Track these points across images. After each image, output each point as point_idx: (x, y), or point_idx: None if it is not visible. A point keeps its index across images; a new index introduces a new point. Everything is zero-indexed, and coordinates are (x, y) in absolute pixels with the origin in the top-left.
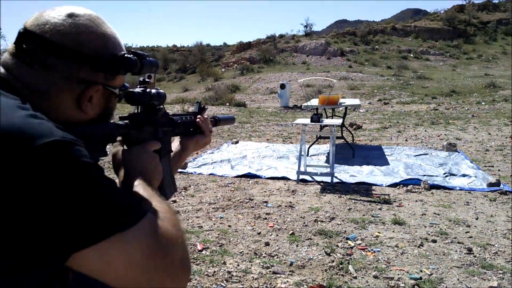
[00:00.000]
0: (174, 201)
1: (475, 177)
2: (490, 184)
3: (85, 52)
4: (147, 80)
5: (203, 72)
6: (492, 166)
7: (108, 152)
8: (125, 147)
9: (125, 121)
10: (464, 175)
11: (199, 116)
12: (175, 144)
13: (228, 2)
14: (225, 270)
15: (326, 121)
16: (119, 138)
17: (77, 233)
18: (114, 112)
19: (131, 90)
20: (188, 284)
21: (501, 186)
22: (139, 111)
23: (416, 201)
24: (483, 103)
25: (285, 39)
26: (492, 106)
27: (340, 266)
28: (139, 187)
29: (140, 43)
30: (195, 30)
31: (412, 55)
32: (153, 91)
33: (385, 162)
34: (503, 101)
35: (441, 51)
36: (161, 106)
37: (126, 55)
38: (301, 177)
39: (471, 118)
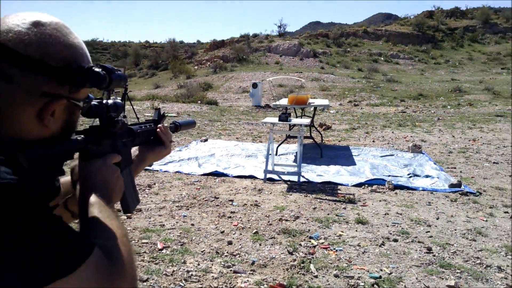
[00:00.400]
0: None
1: (438, 178)
2: (451, 185)
3: (51, 64)
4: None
5: (175, 69)
6: (455, 168)
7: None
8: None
9: (82, 136)
10: (427, 176)
11: (159, 126)
12: (133, 153)
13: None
14: (184, 269)
15: (294, 121)
16: (76, 154)
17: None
18: (77, 125)
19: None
20: (145, 284)
21: (462, 187)
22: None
23: (380, 200)
24: (448, 106)
25: (258, 38)
26: (457, 110)
27: (302, 265)
28: (95, 206)
29: (111, 38)
30: (169, 26)
31: (382, 59)
32: (110, 102)
33: (352, 162)
34: (467, 105)
35: (410, 56)
36: (119, 117)
37: (94, 68)
38: (268, 176)
39: (436, 121)
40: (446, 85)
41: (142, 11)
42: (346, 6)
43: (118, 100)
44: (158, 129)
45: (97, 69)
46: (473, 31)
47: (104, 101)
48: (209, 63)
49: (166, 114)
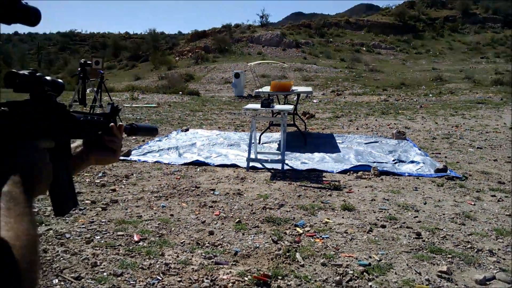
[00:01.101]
0: (114, 190)
1: (423, 163)
2: (437, 170)
3: None
4: (94, 66)
5: (156, 60)
6: (439, 153)
7: None
8: None
9: (4, 108)
10: (412, 162)
11: (111, 124)
12: (75, 148)
13: None
14: (162, 262)
15: (277, 107)
16: None
17: None
18: None
19: (13, 70)
20: (119, 278)
21: (448, 172)
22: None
23: (366, 187)
24: (430, 95)
25: (240, 29)
26: (438, 98)
27: (287, 254)
28: (4, 197)
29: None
30: (149, 17)
31: (364, 49)
32: (47, 77)
33: (336, 150)
34: (449, 93)
35: (392, 45)
36: (56, 95)
37: None
38: (251, 164)
39: (419, 108)
40: (427, 74)
41: (122, 2)
42: None
43: (60, 80)
44: (111, 127)
45: None
46: (453, 21)
47: (38, 73)
48: (190, 54)
49: (120, 108)
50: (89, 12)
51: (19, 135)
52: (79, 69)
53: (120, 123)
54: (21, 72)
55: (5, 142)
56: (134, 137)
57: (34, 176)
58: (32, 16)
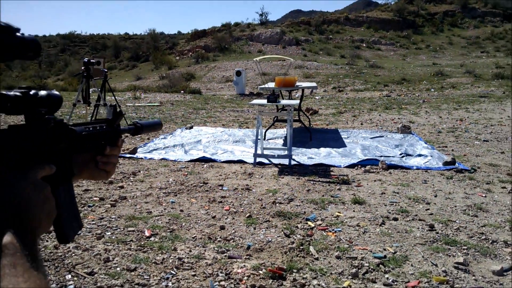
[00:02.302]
0: (121, 187)
1: (431, 156)
2: (446, 163)
3: None
4: (96, 67)
5: (156, 60)
6: (446, 147)
7: None
8: None
9: None
10: (420, 155)
11: (108, 148)
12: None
13: None
14: (175, 256)
15: (283, 102)
16: None
17: None
18: None
19: (3, 92)
20: (133, 273)
21: (456, 164)
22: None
23: (375, 180)
24: (432, 90)
25: (240, 27)
26: (441, 92)
27: (301, 247)
28: (4, 254)
29: (90, 31)
30: (148, 18)
31: (364, 45)
32: (42, 93)
33: (342, 145)
34: (451, 87)
35: (391, 41)
36: (53, 116)
37: None
38: (258, 160)
39: (422, 103)
40: (428, 69)
41: (121, 3)
42: None
43: (55, 92)
44: (105, 150)
45: None
46: (452, 16)
47: (32, 92)
48: (191, 53)
49: (124, 113)
50: (89, 14)
51: (10, 167)
52: (82, 68)
53: (122, 129)
54: (11, 93)
55: None
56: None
57: (30, 218)
58: (31, 50)
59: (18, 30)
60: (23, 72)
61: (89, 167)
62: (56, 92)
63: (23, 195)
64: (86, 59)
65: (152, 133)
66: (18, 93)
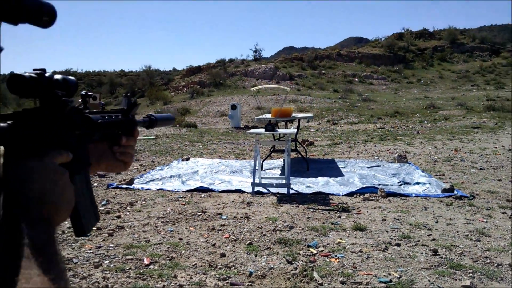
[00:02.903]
0: (118, 217)
1: (429, 184)
2: (444, 190)
3: None
4: (92, 102)
5: (152, 95)
6: (443, 175)
7: None
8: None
9: (9, 122)
10: (418, 183)
11: (123, 137)
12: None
13: (175, 28)
14: (176, 283)
15: (281, 131)
16: (1, 148)
17: None
18: None
19: (18, 73)
20: None
21: (455, 191)
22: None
23: (375, 208)
24: (425, 121)
25: (234, 63)
26: (434, 124)
27: (304, 273)
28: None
29: (86, 68)
30: (144, 56)
31: (357, 79)
32: (57, 76)
33: (340, 174)
34: (443, 119)
35: (383, 76)
36: (71, 100)
37: None
38: (256, 189)
39: (416, 134)
40: (420, 103)
41: (116, 41)
42: (319, 31)
43: (71, 77)
44: (121, 140)
45: None
46: (441, 51)
47: (48, 74)
48: (186, 88)
49: (138, 103)
50: (84, 51)
51: (27, 153)
52: (80, 100)
53: (137, 121)
54: (26, 74)
55: (10, 163)
56: (137, 162)
57: (49, 206)
58: (46, 15)
59: None
60: (19, 108)
61: (107, 158)
62: (72, 77)
63: (42, 181)
64: (83, 92)
65: (149, 162)
66: (33, 75)
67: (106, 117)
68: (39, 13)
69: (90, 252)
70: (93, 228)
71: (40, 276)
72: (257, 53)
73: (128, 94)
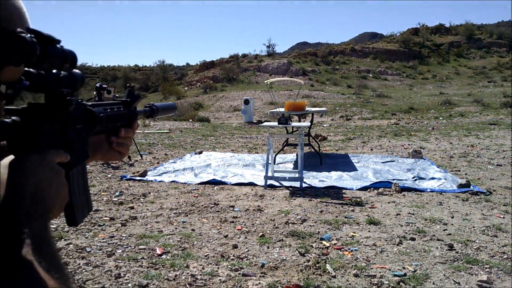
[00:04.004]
0: (132, 208)
1: (445, 179)
2: (460, 185)
3: None
4: (106, 96)
5: (165, 90)
6: (459, 171)
7: None
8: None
9: (14, 117)
10: (433, 178)
11: (122, 129)
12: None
13: (189, 23)
14: (188, 273)
15: (294, 124)
16: (3, 142)
17: None
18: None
19: (26, 69)
20: None
21: (471, 187)
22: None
23: (389, 202)
24: (441, 118)
25: (248, 58)
26: (449, 120)
27: (317, 265)
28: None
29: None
30: (158, 52)
31: (371, 75)
32: (64, 72)
33: (353, 168)
34: (459, 116)
35: (398, 72)
36: (75, 98)
37: (19, 33)
38: (269, 182)
39: (431, 130)
40: (435, 99)
41: (131, 36)
42: (333, 26)
43: (77, 71)
44: (120, 132)
45: (22, 34)
46: (458, 47)
47: (55, 70)
48: (199, 83)
49: (141, 95)
50: (99, 46)
51: (29, 149)
52: (94, 92)
53: (138, 111)
54: (34, 70)
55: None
56: (151, 155)
57: (45, 202)
58: (68, 62)
59: (58, 41)
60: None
61: (103, 148)
62: (78, 71)
63: (42, 178)
64: (98, 84)
65: (162, 155)
66: (41, 72)
67: (109, 110)
68: (62, 61)
69: (103, 242)
70: (85, 220)
71: (36, 264)
72: (270, 48)
73: (132, 85)
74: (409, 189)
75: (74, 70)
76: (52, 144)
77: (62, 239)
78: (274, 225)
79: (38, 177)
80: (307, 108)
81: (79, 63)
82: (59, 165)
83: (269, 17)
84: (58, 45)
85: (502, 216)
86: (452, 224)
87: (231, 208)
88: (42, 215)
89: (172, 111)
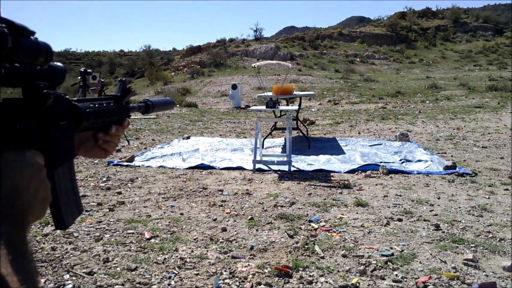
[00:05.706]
0: (119, 193)
1: (431, 161)
2: (446, 167)
3: None
4: (91, 81)
5: (152, 76)
6: (445, 153)
7: None
8: None
9: None
10: (420, 161)
11: (113, 127)
12: None
13: (175, 7)
14: (177, 256)
15: (282, 108)
16: None
17: None
18: None
19: None
20: (134, 273)
21: (457, 169)
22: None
23: (376, 184)
24: (427, 101)
25: (235, 43)
26: (436, 104)
27: (305, 247)
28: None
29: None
30: (143, 36)
31: (358, 59)
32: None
33: (341, 152)
34: (445, 99)
35: (385, 56)
36: (53, 91)
37: None
38: (257, 166)
39: (418, 114)
40: (422, 83)
41: (116, 21)
42: (320, 10)
43: (58, 63)
44: (110, 129)
45: None
46: (444, 31)
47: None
48: (186, 69)
49: (133, 90)
50: (83, 31)
51: (5, 146)
52: (79, 77)
53: (131, 106)
54: (7, 65)
55: None
56: (138, 140)
57: (21, 204)
58: (43, 56)
59: (33, 33)
60: (18, 88)
61: (87, 144)
62: (59, 64)
63: (16, 177)
64: (82, 69)
65: (150, 140)
66: (17, 64)
67: (96, 105)
68: (36, 54)
69: (91, 227)
70: (74, 222)
71: (8, 276)
72: (257, 33)
73: (124, 79)
74: (396, 172)
75: (54, 63)
76: (32, 143)
77: (49, 225)
78: (263, 208)
79: (14, 177)
80: (295, 92)
81: (62, 48)
82: (41, 164)
83: (257, 1)
84: (32, 37)
85: (487, 197)
86: (439, 205)
87: (220, 192)
88: (18, 220)
89: (170, 107)
